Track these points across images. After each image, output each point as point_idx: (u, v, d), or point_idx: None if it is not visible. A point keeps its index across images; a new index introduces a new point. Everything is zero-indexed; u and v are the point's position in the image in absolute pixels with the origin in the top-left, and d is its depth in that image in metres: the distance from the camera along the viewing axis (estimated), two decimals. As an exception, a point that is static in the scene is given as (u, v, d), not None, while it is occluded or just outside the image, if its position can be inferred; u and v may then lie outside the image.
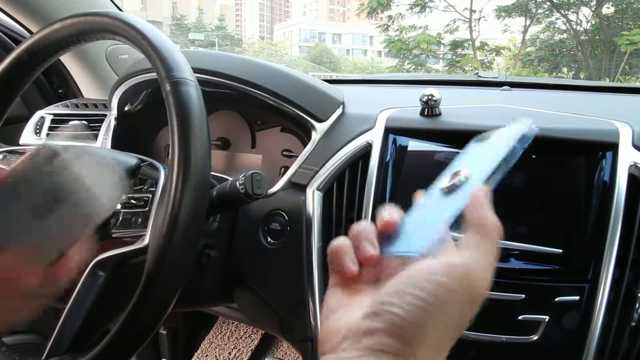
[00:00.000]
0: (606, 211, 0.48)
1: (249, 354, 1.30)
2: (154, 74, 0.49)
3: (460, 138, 0.56)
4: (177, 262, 0.45)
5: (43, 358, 0.49)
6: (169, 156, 0.46)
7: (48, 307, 0.62)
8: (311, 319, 0.62)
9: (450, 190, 0.33)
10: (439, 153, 0.58)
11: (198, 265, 0.60)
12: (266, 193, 0.56)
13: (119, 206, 0.56)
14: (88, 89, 1.01)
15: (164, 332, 1.11)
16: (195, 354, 1.29)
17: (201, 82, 0.50)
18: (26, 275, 0.31)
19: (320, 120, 0.67)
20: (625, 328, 0.49)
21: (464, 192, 0.32)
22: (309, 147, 0.66)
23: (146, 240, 0.52)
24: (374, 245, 0.30)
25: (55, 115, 0.87)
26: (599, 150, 0.51)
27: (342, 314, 0.28)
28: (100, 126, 0.82)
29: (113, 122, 0.81)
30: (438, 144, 0.54)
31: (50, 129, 0.86)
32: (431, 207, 0.34)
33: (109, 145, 0.80)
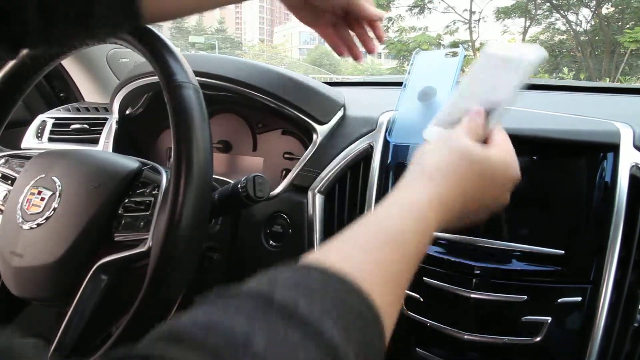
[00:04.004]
0: (608, 212, 0.48)
1: (251, 356, 1.30)
2: (155, 77, 0.49)
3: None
4: (180, 265, 0.45)
5: None
6: (171, 159, 0.46)
7: (51, 310, 0.63)
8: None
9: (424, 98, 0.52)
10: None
11: (200, 268, 0.60)
12: (268, 196, 0.56)
13: (121, 210, 0.56)
14: (89, 93, 1.02)
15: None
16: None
17: (202, 85, 0.50)
18: None
19: (321, 123, 0.67)
20: (627, 329, 0.49)
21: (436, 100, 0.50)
22: (310, 149, 0.66)
23: (149, 244, 0.52)
24: None
25: (56, 119, 0.88)
26: (600, 151, 0.51)
27: None
28: (102, 130, 0.82)
29: (114, 126, 0.82)
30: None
31: (52, 133, 0.86)
32: (415, 110, 0.52)
33: (110, 149, 0.80)
